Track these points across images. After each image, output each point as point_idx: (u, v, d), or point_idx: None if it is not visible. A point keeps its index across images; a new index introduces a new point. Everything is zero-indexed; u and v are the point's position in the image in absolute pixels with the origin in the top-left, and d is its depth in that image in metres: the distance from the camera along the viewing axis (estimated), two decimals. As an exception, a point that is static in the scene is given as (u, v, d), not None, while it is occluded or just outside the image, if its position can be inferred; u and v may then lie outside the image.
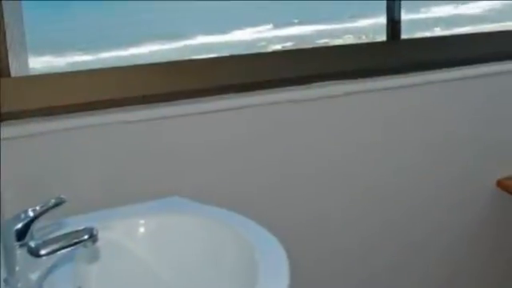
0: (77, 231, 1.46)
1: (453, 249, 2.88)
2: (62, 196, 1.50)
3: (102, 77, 2.18)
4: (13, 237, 1.41)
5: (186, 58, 2.42)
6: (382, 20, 2.74)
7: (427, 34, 3.45)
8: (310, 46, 3.00)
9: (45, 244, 1.42)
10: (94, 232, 1.45)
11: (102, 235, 1.50)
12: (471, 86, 2.77)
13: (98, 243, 1.48)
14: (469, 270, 2.94)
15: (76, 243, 1.44)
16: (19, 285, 1.42)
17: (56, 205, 1.48)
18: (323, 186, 2.53)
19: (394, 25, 2.72)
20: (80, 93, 2.11)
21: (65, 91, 2.08)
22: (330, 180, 2.54)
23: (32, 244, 1.42)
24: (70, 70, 2.18)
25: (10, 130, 1.95)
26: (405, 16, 2.75)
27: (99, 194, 2.10)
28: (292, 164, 2.46)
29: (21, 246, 1.41)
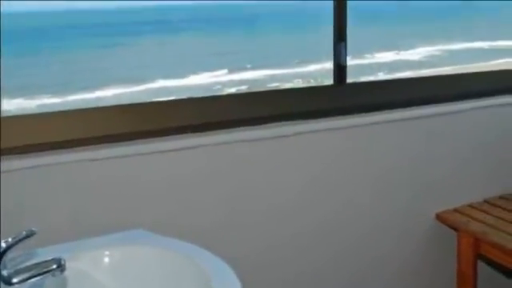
0: (46, 261, 1.49)
1: (396, 276, 2.92)
2: (33, 228, 1.52)
3: (69, 118, 2.21)
4: (-14, 267, 1.43)
5: (147, 100, 2.44)
6: (329, 65, 2.78)
7: (371, 78, 3.52)
8: (263, 89, 3.06)
9: (16, 273, 1.45)
10: (62, 262, 1.49)
11: (70, 265, 1.53)
12: (412, 126, 2.84)
13: (66, 272, 1.51)
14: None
15: (45, 272, 1.47)
16: (-8, 312, 1.44)
17: (27, 236, 1.50)
18: (274, 219, 2.56)
19: (340, 69, 2.75)
20: (49, 133, 2.12)
21: (35, 131, 2.09)
22: (280, 214, 2.58)
23: (4, 273, 1.44)
24: (39, 111, 2.20)
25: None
26: (350, 61, 2.80)
27: (67, 226, 2.12)
28: (245, 199, 2.49)
29: (-6, 275, 1.44)
